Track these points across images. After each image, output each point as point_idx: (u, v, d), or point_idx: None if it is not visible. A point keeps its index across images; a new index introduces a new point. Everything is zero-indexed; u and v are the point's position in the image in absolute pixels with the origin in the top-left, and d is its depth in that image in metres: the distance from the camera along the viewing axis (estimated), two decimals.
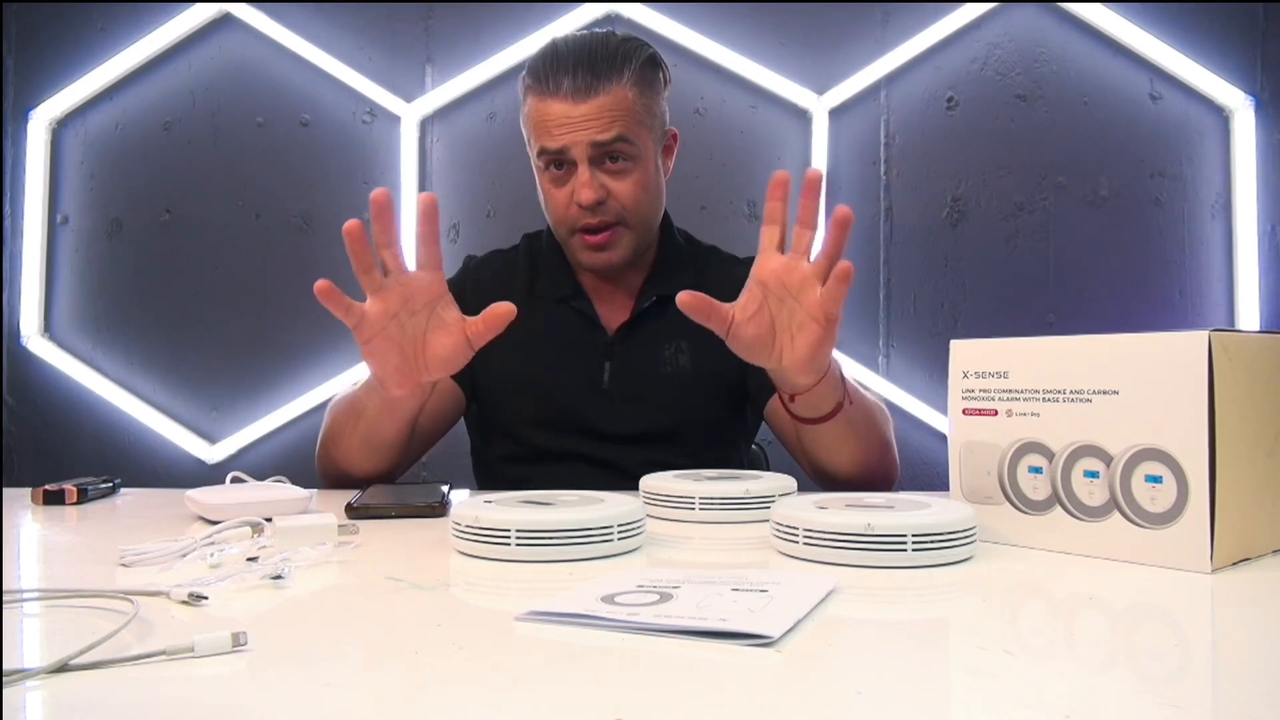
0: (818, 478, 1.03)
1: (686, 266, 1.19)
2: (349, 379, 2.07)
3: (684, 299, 0.83)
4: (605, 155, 1.06)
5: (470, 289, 1.19)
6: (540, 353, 1.15)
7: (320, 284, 0.82)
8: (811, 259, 0.83)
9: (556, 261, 1.19)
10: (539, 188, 1.14)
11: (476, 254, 1.29)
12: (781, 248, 0.83)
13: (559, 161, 1.07)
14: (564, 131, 1.05)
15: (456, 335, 0.88)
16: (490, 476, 1.24)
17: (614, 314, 1.17)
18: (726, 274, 1.15)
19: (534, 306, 1.16)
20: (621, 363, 1.14)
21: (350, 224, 0.81)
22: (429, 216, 0.85)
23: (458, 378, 1.10)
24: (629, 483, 0.91)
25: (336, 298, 0.83)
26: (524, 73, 1.11)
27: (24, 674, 0.39)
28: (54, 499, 0.92)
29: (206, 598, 0.52)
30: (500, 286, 1.19)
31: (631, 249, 1.12)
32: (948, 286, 2.04)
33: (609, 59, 1.05)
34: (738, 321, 0.84)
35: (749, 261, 1.24)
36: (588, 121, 1.04)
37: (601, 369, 1.14)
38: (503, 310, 0.87)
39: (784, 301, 0.83)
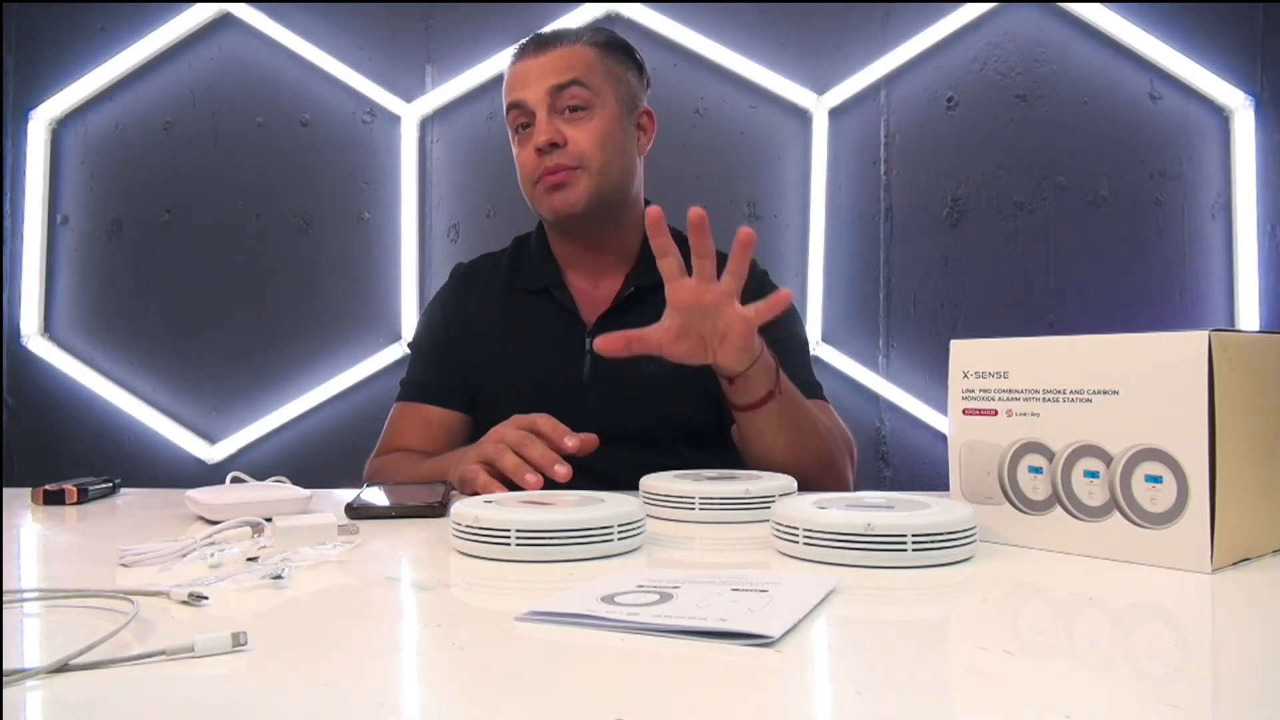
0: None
1: None
2: (349, 379, 2.07)
3: (600, 344, 0.90)
4: (564, 106, 1.12)
5: (452, 295, 1.26)
6: (521, 346, 1.18)
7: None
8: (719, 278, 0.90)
9: (541, 254, 1.22)
10: (515, 164, 1.19)
11: (464, 261, 1.34)
12: (685, 273, 0.90)
13: (524, 123, 1.14)
14: (523, 83, 1.13)
15: None
16: None
17: (595, 307, 1.18)
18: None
19: (515, 300, 1.21)
20: (601, 357, 1.15)
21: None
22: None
23: (455, 405, 1.21)
24: (615, 487, 0.92)
25: None
26: None
27: (24, 674, 0.39)
28: (54, 499, 0.92)
29: (206, 598, 0.52)
30: (486, 284, 1.23)
31: (591, 196, 1.13)
32: (948, 286, 2.04)
33: (570, 31, 1.16)
34: (665, 344, 0.91)
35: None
36: (544, 71, 1.12)
37: (581, 362, 1.15)
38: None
39: (705, 318, 0.90)
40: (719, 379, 0.98)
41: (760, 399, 0.96)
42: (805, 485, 0.98)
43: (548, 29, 1.18)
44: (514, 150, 1.17)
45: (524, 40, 1.17)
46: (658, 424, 1.14)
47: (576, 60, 1.12)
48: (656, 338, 0.90)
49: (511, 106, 1.14)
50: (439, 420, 1.19)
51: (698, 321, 0.90)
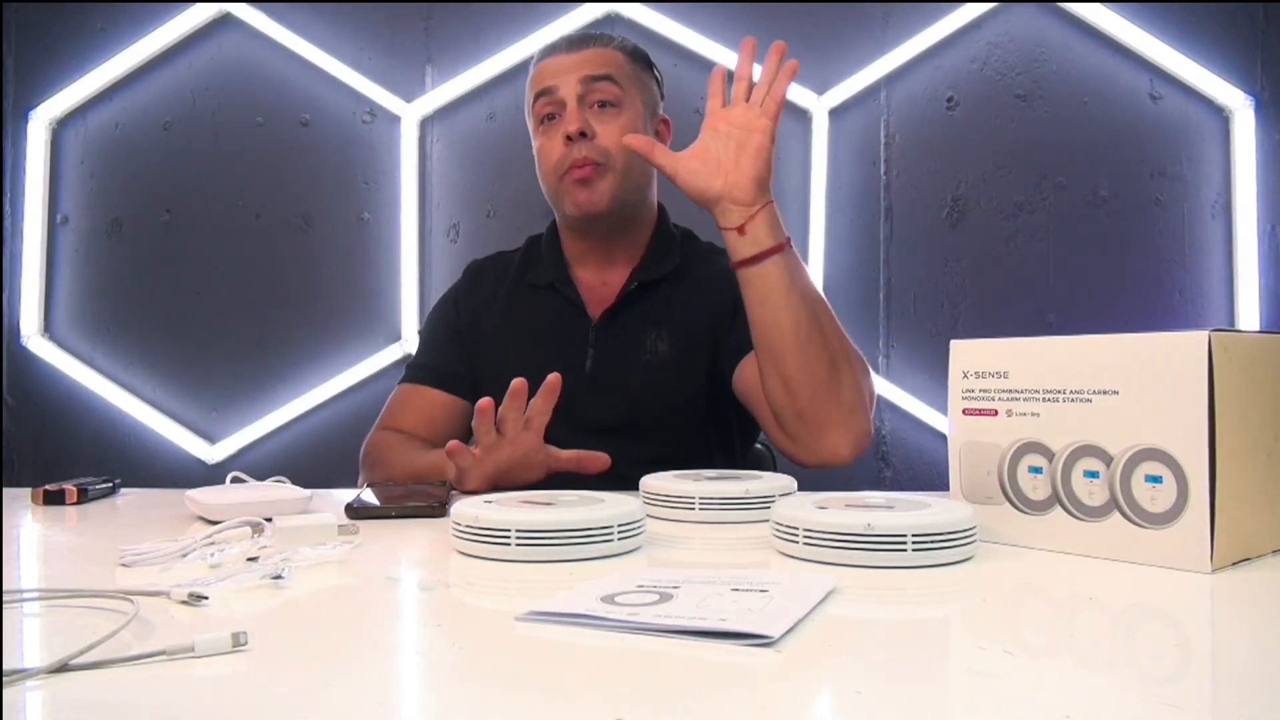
0: (777, 389, 0.99)
1: (675, 256, 1.21)
2: (349, 379, 2.07)
3: (629, 140, 0.99)
4: (594, 100, 1.14)
5: (465, 288, 1.29)
6: (526, 338, 1.20)
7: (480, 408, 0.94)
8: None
9: (551, 251, 1.24)
10: (536, 158, 1.19)
11: (478, 258, 1.35)
12: (746, 98, 0.96)
13: (551, 113, 1.15)
14: (556, 73, 1.15)
15: (538, 472, 0.99)
16: None
17: (600, 302, 1.20)
18: (713, 265, 1.19)
19: (523, 294, 1.23)
20: (604, 350, 1.17)
21: (483, 402, 0.93)
22: (550, 394, 0.95)
23: (458, 390, 1.22)
24: (617, 482, 0.92)
25: (463, 452, 0.95)
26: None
27: (24, 674, 0.39)
28: (54, 499, 0.92)
29: (206, 598, 0.52)
30: (497, 279, 1.28)
31: (614, 194, 1.14)
32: (948, 286, 2.04)
33: (600, 35, 1.20)
34: (680, 167, 0.98)
35: None
36: (578, 64, 1.14)
37: (585, 356, 1.17)
38: (592, 463, 1.00)
39: (731, 137, 0.96)
40: (726, 238, 0.99)
41: (769, 248, 0.96)
42: (823, 388, 0.97)
43: (576, 31, 1.20)
44: (536, 143, 1.17)
45: (553, 40, 1.20)
46: (659, 414, 1.15)
47: (609, 59, 1.15)
48: (675, 161, 0.98)
49: (541, 94, 1.15)
50: (440, 404, 1.21)
51: (723, 142, 0.96)
